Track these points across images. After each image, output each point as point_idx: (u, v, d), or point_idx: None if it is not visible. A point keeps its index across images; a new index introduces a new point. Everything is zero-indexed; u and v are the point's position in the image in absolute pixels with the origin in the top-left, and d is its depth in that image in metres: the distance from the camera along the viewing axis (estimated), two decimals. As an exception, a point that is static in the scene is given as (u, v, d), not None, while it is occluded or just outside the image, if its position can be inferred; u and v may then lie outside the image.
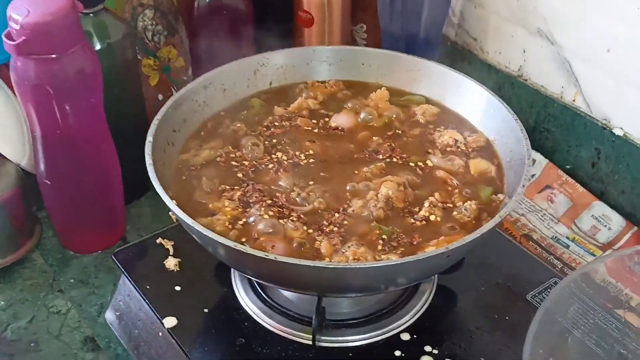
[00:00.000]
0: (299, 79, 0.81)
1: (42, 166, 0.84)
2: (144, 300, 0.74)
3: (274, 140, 0.74)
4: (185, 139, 0.73)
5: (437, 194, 0.67)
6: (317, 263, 0.55)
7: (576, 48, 0.90)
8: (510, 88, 1.01)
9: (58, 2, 0.76)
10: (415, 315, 0.72)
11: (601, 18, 0.86)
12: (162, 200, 0.61)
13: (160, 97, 1.02)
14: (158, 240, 0.80)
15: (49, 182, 0.85)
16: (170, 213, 0.62)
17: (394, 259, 0.59)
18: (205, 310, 0.73)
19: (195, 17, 1.01)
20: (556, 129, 0.96)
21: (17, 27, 0.74)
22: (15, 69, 0.78)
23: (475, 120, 0.76)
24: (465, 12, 1.04)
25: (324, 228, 0.64)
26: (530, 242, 0.90)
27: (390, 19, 1.01)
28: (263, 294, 0.74)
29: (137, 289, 0.75)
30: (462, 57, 1.06)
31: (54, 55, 0.76)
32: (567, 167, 0.96)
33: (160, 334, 0.71)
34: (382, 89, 0.80)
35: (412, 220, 0.65)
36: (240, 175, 0.70)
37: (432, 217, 0.65)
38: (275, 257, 0.56)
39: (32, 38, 0.74)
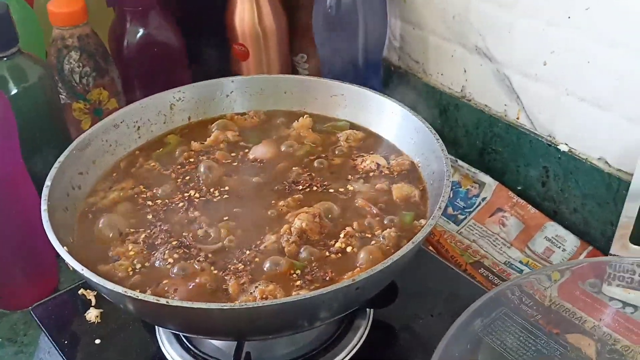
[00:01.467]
0: (218, 112, 0.78)
1: (-40, 219, 0.80)
2: (62, 356, 0.70)
3: (187, 177, 0.70)
4: (96, 181, 0.69)
5: (355, 224, 0.63)
6: (211, 305, 0.51)
7: (514, 63, 0.87)
8: (455, 110, 0.97)
9: (-40, 47, 0.73)
10: (350, 352, 0.67)
11: (533, 30, 0.82)
12: None
13: (94, 140, 0.98)
14: (80, 291, 0.76)
15: (-34, 233, 0.81)
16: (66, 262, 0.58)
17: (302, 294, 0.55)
18: (127, 363, 0.68)
19: (126, 55, 0.98)
20: (503, 149, 0.93)
21: None
22: None
23: (401, 142, 0.72)
24: (405, 34, 1.01)
25: (233, 267, 0.59)
26: (481, 269, 0.85)
27: (327, 46, 0.98)
28: (187, 344, 0.69)
29: (55, 345, 0.71)
30: (407, 81, 1.03)
31: (-43, 103, 0.73)
32: (519, 188, 0.92)
33: (79, 391, 0.67)
34: (305, 116, 0.76)
35: (327, 253, 0.60)
36: (150, 216, 0.66)
37: (348, 249, 0.60)
38: (167, 302, 0.51)
39: None
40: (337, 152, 0.73)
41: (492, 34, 0.88)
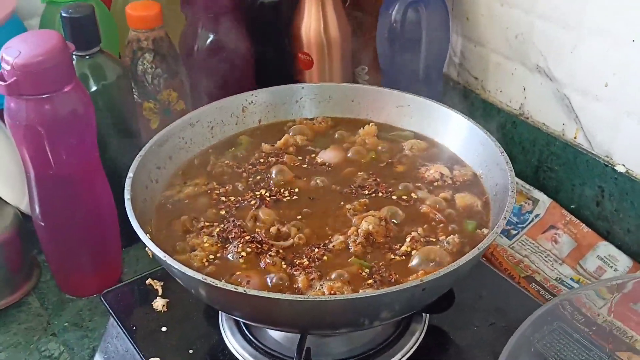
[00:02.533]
0: (288, 117, 0.81)
1: (36, 208, 0.85)
2: (130, 341, 0.73)
3: (258, 177, 0.74)
4: (170, 176, 0.73)
5: (420, 229, 0.65)
6: (283, 296, 0.54)
7: (574, 83, 0.89)
8: (512, 127, 0.99)
9: (49, 43, 0.77)
10: (404, 355, 0.70)
11: (597, 51, 0.84)
12: None
13: (161, 139, 1.02)
14: (148, 281, 0.79)
15: (43, 224, 0.85)
16: (146, 249, 0.61)
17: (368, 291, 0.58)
18: (190, 351, 0.72)
19: (196, 59, 1.02)
20: (559, 167, 0.94)
21: (8, 67, 0.75)
22: (7, 109, 0.79)
23: (464, 154, 0.75)
24: (466, 51, 1.03)
25: (303, 263, 0.62)
26: (532, 283, 0.87)
27: (390, 59, 1.01)
28: (249, 335, 0.72)
29: (124, 329, 0.74)
30: (465, 97, 1.05)
31: (45, 96, 0.77)
32: (572, 206, 0.94)
33: (144, 375, 0.70)
34: (371, 124, 0.79)
35: (392, 256, 0.63)
36: (223, 212, 0.69)
37: (413, 252, 0.63)
38: (244, 291, 0.54)
39: (23, 79, 0.75)
40: (401, 161, 0.75)
41: (554, 53, 0.90)
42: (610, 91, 0.85)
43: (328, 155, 0.76)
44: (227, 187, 0.72)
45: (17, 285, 0.91)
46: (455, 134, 0.75)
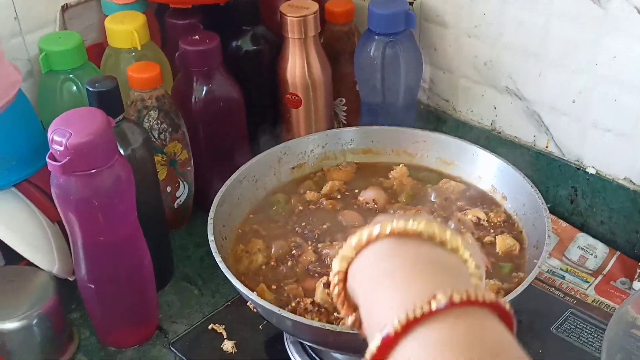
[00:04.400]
0: (324, 164, 0.90)
1: (83, 271, 0.90)
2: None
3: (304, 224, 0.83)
4: (234, 232, 0.81)
5: None
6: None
7: (543, 102, 1.02)
8: (486, 141, 1.12)
9: (95, 122, 0.82)
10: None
11: (562, 76, 0.98)
12: (186, 287, 0.67)
13: (168, 189, 1.09)
14: (210, 326, 0.86)
15: (92, 286, 0.90)
16: (248, 303, 0.69)
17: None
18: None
19: (194, 110, 1.08)
20: (533, 172, 1.08)
21: (61, 148, 0.80)
22: (57, 185, 0.83)
23: (498, 194, 0.86)
24: (435, 77, 1.15)
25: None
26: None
27: (371, 91, 1.12)
28: (315, 356, 0.81)
29: (202, 375, 0.81)
30: (437, 118, 1.17)
31: (95, 170, 0.82)
32: (548, 205, 1.07)
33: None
34: (401, 165, 0.89)
35: None
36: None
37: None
38: (333, 329, 0.64)
39: (76, 157, 0.81)
40: (443, 202, 0.86)
41: (522, 77, 1.03)
42: (578, 107, 0.99)
43: (370, 194, 0.86)
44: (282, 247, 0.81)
45: (64, 347, 0.95)
46: (489, 174, 0.86)
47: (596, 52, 0.93)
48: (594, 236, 1.03)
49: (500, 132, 1.10)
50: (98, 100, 0.90)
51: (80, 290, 0.92)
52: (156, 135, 1.04)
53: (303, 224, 0.82)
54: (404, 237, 0.49)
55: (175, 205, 1.11)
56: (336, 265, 0.51)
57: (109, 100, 0.90)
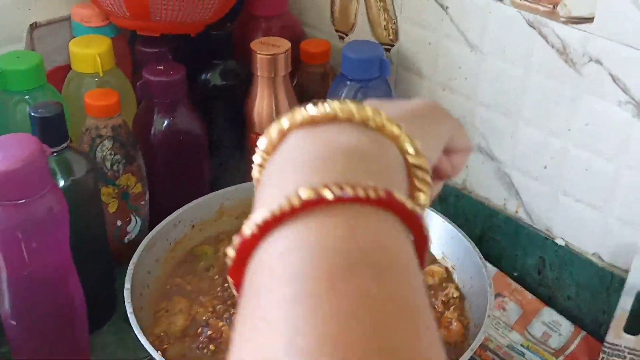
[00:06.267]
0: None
1: (6, 305, 0.84)
2: None
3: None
4: (159, 279, 0.75)
5: None
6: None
7: (515, 164, 0.97)
8: (455, 200, 1.07)
9: (27, 149, 0.78)
10: None
11: (535, 138, 0.93)
12: (126, 328, 0.62)
13: (119, 223, 1.03)
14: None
15: (14, 323, 0.85)
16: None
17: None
18: None
19: (152, 142, 1.04)
20: (501, 237, 1.02)
21: (-14, 175, 0.76)
22: (-19, 213, 0.79)
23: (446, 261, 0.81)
24: (409, 129, 1.10)
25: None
26: (487, 351, 0.94)
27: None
28: None
29: None
30: (408, 170, 1.12)
31: (23, 201, 0.78)
32: (515, 274, 1.02)
33: None
34: None
35: None
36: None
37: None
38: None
39: (1, 185, 0.76)
40: None
41: (494, 137, 0.98)
42: (549, 172, 0.93)
43: None
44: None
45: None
46: (434, 234, 0.81)
47: (570, 115, 0.88)
48: (560, 312, 0.97)
49: (471, 192, 1.05)
50: (40, 126, 0.86)
51: (4, 326, 0.87)
52: (109, 166, 1.00)
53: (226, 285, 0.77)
54: (318, 124, 0.39)
55: (126, 240, 1.06)
56: (255, 173, 0.43)
57: (52, 126, 0.86)
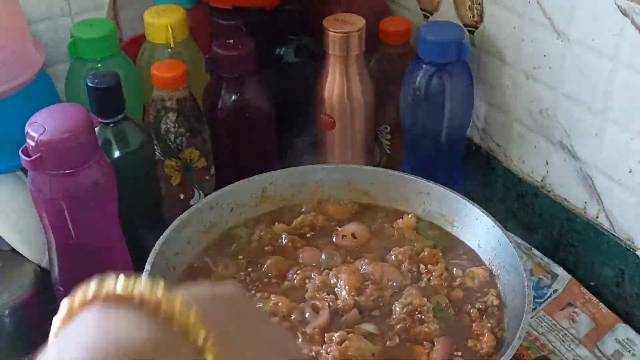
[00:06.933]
0: (308, 198, 0.81)
1: (56, 272, 0.86)
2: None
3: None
4: (188, 262, 0.73)
5: None
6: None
7: (598, 165, 0.88)
8: (533, 198, 0.99)
9: (74, 119, 0.78)
10: None
11: (621, 138, 0.84)
12: None
13: (182, 196, 1.03)
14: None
15: (62, 289, 0.86)
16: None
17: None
18: None
19: (218, 117, 1.02)
20: (579, 243, 0.94)
21: (33, 144, 0.76)
22: (32, 181, 0.79)
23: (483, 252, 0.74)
24: (489, 117, 1.03)
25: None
26: (549, 365, 0.87)
27: (412, 123, 1.01)
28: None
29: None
30: (487, 162, 1.05)
31: (69, 171, 0.77)
32: (591, 283, 0.93)
33: None
34: (410, 215, 0.79)
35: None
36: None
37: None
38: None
39: (48, 155, 0.76)
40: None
41: (578, 133, 0.89)
42: (634, 178, 0.84)
43: (351, 228, 0.76)
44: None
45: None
46: (483, 238, 0.75)
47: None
48: (637, 330, 0.88)
49: (550, 191, 0.97)
50: (96, 97, 0.85)
51: (54, 291, 0.88)
52: (172, 139, 0.99)
53: (250, 269, 0.74)
54: (116, 302, 0.36)
55: (189, 213, 1.05)
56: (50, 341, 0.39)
57: (108, 97, 0.85)
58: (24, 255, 0.92)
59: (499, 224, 0.71)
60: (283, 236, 0.75)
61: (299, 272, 0.71)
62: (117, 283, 0.36)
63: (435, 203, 0.78)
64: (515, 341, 0.59)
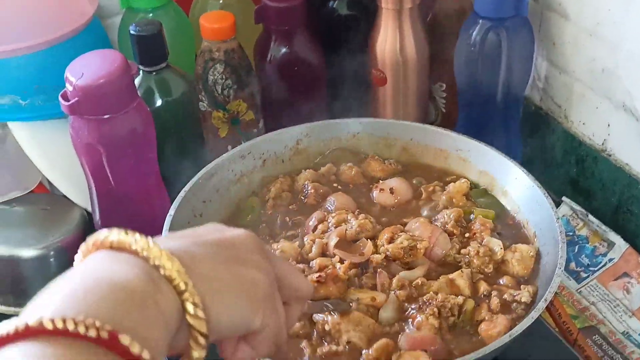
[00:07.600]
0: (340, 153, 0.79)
1: (97, 216, 0.87)
2: None
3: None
4: (217, 210, 0.72)
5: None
6: None
7: (662, 128, 0.82)
8: (593, 162, 0.93)
9: (112, 65, 0.77)
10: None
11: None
12: None
13: (229, 147, 1.01)
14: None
15: (102, 234, 0.87)
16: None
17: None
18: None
19: (268, 70, 1.00)
20: (636, 208, 0.88)
21: (71, 88, 0.76)
22: (72, 126, 0.80)
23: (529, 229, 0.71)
24: (550, 77, 0.97)
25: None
26: (596, 335, 0.82)
27: (467, 81, 0.97)
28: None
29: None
30: (546, 124, 1.00)
31: (106, 116, 0.78)
32: (647, 253, 0.88)
33: None
34: (463, 180, 0.76)
35: None
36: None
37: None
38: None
39: (85, 100, 0.76)
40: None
41: (641, 94, 0.83)
42: (699, 142, 0.78)
43: (391, 183, 0.74)
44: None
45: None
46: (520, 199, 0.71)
47: None
48: (696, 305, 0.82)
49: (610, 155, 0.91)
50: (139, 45, 0.85)
51: (96, 235, 0.89)
52: (219, 91, 0.98)
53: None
54: (121, 250, 0.44)
55: (237, 166, 1.04)
56: None
57: (150, 45, 0.85)
58: (71, 200, 0.94)
59: (539, 184, 0.67)
60: (307, 184, 0.74)
61: (334, 215, 0.69)
62: (120, 235, 0.44)
63: (479, 161, 0.74)
64: (540, 304, 0.56)
